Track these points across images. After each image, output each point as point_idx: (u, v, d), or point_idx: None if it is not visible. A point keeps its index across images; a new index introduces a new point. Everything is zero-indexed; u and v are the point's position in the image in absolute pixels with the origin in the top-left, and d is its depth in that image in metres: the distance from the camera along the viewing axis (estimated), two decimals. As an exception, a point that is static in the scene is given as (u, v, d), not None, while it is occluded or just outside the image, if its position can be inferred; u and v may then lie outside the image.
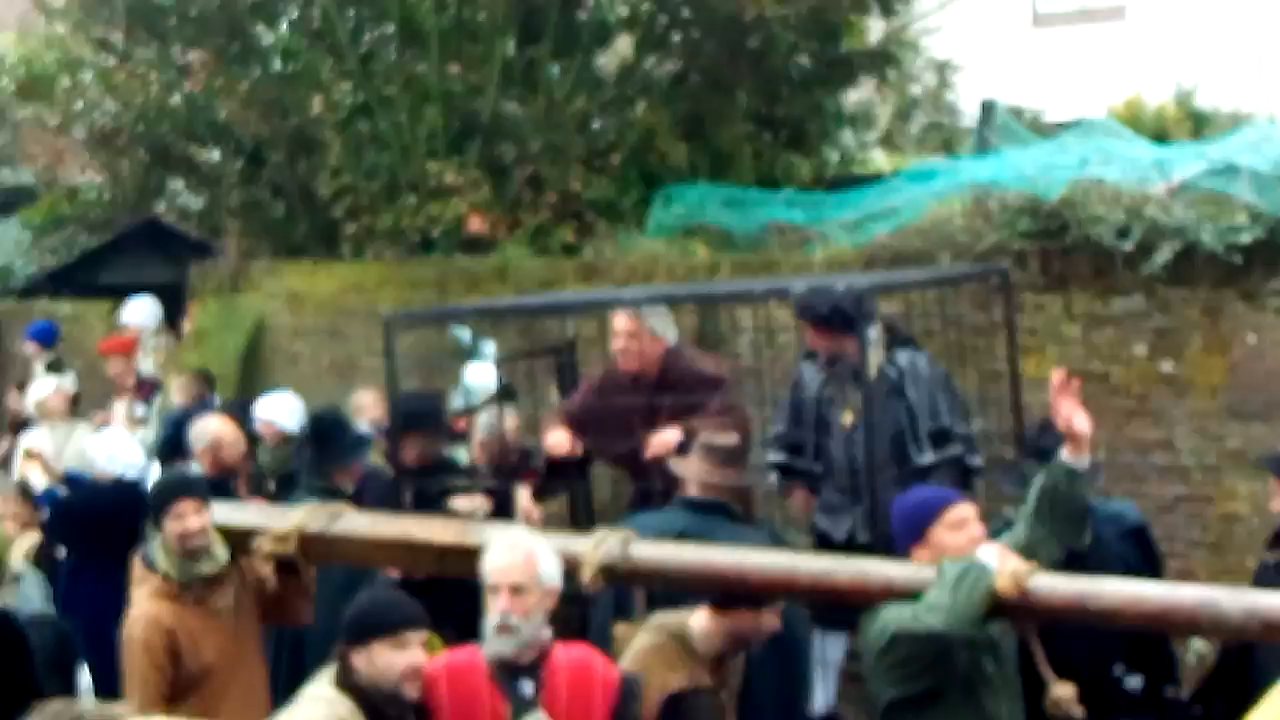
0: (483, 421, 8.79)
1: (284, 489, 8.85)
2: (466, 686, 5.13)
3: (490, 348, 10.04)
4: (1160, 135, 12.80)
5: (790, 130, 13.69)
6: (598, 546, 5.77)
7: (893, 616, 5.26)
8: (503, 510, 8.08)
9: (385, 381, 8.31)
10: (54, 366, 12.93)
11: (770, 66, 13.14)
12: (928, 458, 7.60)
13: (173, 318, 13.73)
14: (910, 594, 5.28)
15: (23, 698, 5.67)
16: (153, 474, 9.87)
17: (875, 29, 14.36)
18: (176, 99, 14.02)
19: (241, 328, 13.43)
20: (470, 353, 9.59)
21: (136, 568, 6.45)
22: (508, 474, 8.33)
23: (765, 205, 11.16)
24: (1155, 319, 8.68)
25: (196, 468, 8.72)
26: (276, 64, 13.76)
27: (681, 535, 6.29)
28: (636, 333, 7.81)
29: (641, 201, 12.21)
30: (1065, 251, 8.89)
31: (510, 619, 5.09)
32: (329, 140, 13.09)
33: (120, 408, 11.60)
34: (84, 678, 7.10)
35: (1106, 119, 11.63)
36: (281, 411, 9.56)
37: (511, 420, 8.75)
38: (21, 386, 12.67)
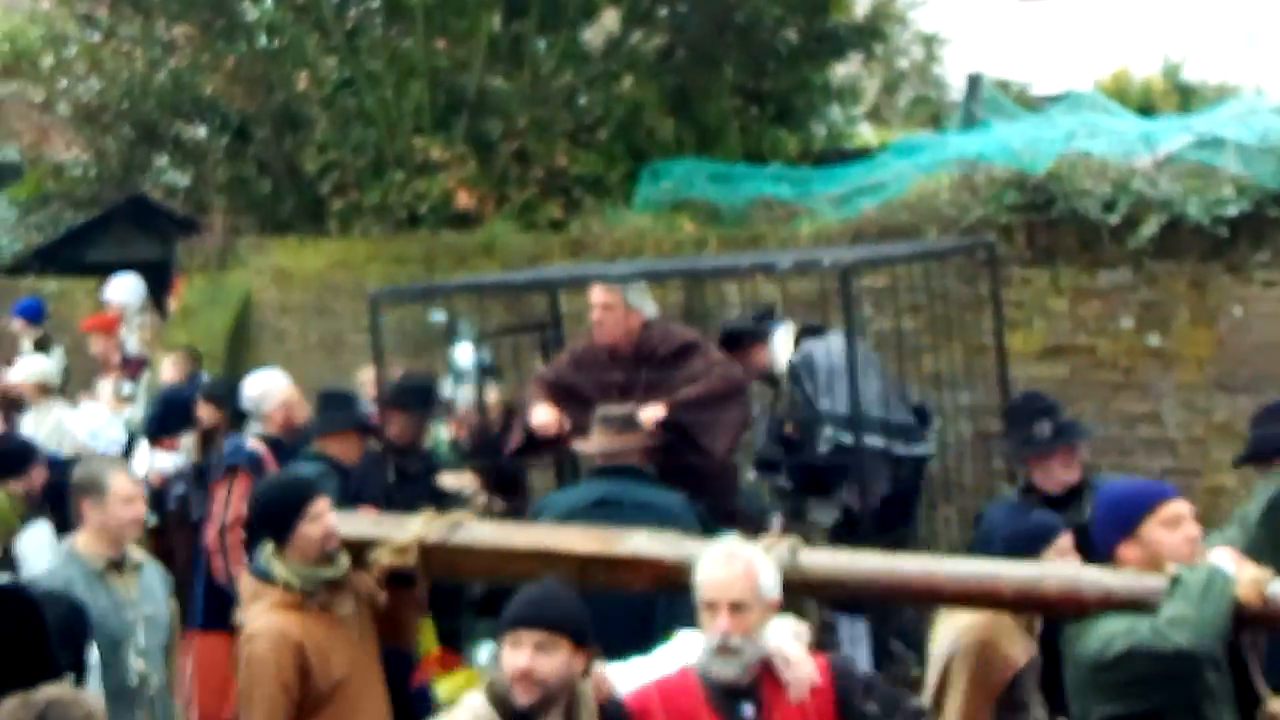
0: (463, 398, 8.80)
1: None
2: (683, 712, 4.70)
3: (467, 327, 10.02)
4: (1147, 108, 12.84)
5: (777, 105, 13.70)
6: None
7: (1120, 630, 4.75)
8: (490, 487, 8.10)
9: (371, 358, 8.31)
10: (42, 343, 12.89)
11: (757, 41, 13.14)
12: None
13: (159, 295, 13.70)
14: (1130, 604, 4.80)
15: (39, 671, 5.68)
16: (141, 453, 9.87)
17: (862, 2, 14.35)
18: (162, 75, 14.00)
19: (228, 305, 13.41)
20: (451, 335, 9.55)
21: (247, 584, 5.87)
22: (490, 451, 8.32)
23: (752, 180, 11.14)
24: (1142, 292, 8.68)
25: (258, 427, 8.81)
26: (262, 39, 13.72)
27: (600, 502, 6.42)
28: (612, 305, 7.76)
29: (628, 176, 12.20)
30: (1052, 225, 8.89)
31: (732, 640, 4.65)
32: (315, 116, 13.07)
33: (106, 386, 11.57)
34: (93, 654, 7.05)
35: (1093, 92, 11.64)
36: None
37: (494, 397, 8.75)
38: (11, 364, 12.65)
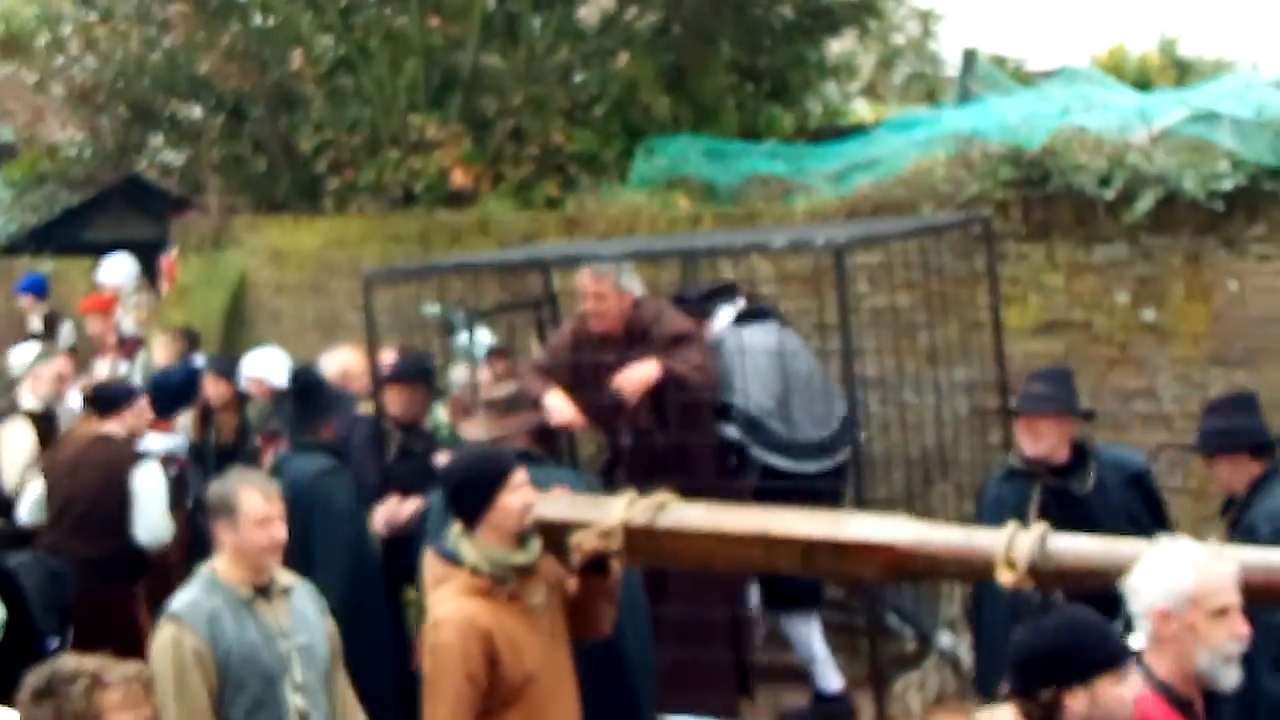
0: (456, 378, 8.77)
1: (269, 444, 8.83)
2: None
3: (461, 317, 9.96)
4: (1143, 83, 12.82)
5: (772, 81, 13.67)
6: (1011, 543, 4.68)
7: None
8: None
9: (366, 338, 8.28)
10: (50, 319, 12.96)
11: (752, 17, 13.10)
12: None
13: (154, 275, 13.71)
14: None
15: (23, 640, 5.69)
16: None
17: (858, -22, 14.29)
18: (157, 54, 13.98)
19: (224, 284, 13.40)
20: (447, 327, 9.46)
21: (432, 565, 5.48)
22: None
23: (747, 157, 11.15)
24: (1137, 267, 8.69)
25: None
26: (256, 18, 13.68)
27: None
28: (604, 294, 7.73)
29: (624, 154, 12.18)
30: (1047, 200, 8.89)
31: (1237, 649, 4.29)
32: (310, 94, 13.04)
33: (103, 366, 11.57)
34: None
35: (1089, 67, 11.64)
36: (270, 368, 9.52)
37: (486, 376, 8.73)
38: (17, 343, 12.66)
